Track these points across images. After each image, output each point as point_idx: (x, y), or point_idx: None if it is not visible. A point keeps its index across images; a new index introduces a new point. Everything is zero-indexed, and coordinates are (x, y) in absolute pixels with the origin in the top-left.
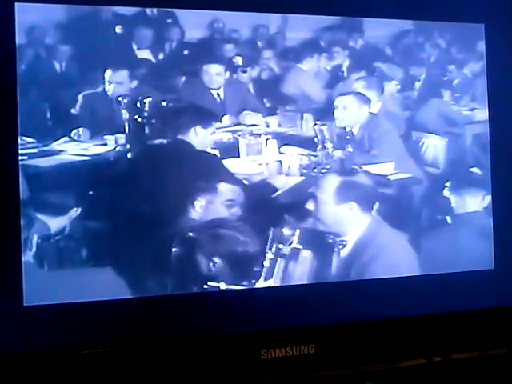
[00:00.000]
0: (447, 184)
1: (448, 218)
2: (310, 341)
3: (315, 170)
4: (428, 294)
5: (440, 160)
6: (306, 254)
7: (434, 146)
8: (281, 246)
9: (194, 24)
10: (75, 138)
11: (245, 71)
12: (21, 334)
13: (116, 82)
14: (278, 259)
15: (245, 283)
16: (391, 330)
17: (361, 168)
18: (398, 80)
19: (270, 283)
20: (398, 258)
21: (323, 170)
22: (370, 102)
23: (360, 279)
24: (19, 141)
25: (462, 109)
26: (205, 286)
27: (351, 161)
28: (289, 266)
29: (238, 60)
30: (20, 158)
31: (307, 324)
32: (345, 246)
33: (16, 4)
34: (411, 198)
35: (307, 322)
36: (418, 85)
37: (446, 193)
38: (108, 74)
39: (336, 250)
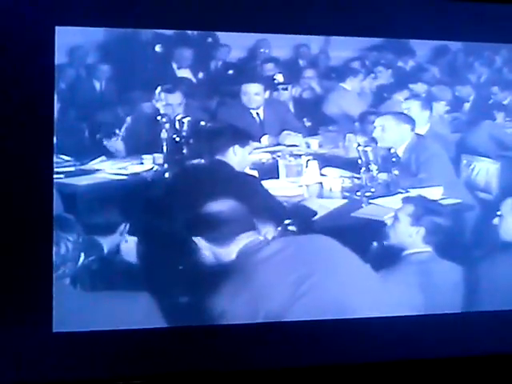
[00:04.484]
0: (500, 210)
1: (502, 247)
2: None
3: (358, 193)
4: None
5: (493, 185)
6: None
7: (486, 171)
8: None
9: (234, 44)
10: (112, 157)
11: (286, 89)
12: (49, 362)
13: (155, 102)
14: None
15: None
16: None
17: (407, 192)
18: (446, 101)
19: None
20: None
21: (367, 194)
22: (413, 121)
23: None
24: (55, 159)
25: None
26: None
27: (397, 184)
28: None
29: (279, 78)
30: (56, 176)
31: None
32: None
33: (56, 28)
34: (461, 224)
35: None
36: (467, 106)
37: (498, 220)
38: (147, 93)
39: None
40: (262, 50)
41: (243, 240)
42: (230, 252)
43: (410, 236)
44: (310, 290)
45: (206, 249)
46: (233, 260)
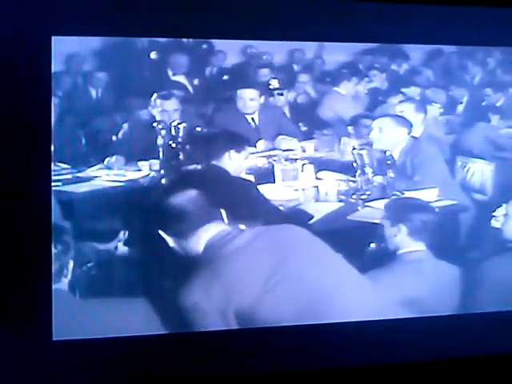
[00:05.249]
0: (496, 211)
1: (498, 248)
2: None
3: (354, 196)
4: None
5: (488, 186)
6: None
7: (481, 172)
8: None
9: (228, 50)
10: (110, 164)
11: (281, 94)
12: (49, 369)
13: (151, 109)
14: None
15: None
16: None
17: (403, 194)
18: (441, 103)
19: None
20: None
21: (363, 196)
22: (410, 124)
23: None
24: (54, 167)
25: (510, 131)
26: None
27: (392, 186)
28: None
29: (274, 84)
30: (53, 184)
31: None
32: None
33: (53, 37)
34: (457, 225)
35: None
36: (462, 108)
37: (500, 219)
38: (143, 100)
39: None
40: (256, 56)
41: (211, 231)
42: (198, 243)
43: (394, 235)
44: (283, 280)
45: (172, 241)
46: (201, 252)
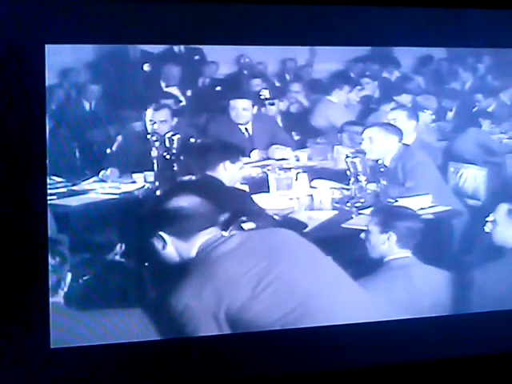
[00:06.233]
0: (489, 216)
1: (493, 252)
2: None
3: (348, 204)
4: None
5: (480, 191)
6: None
7: (474, 177)
8: None
9: (221, 60)
10: (104, 176)
11: (273, 104)
12: (47, 378)
13: (144, 120)
14: None
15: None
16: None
17: (396, 201)
18: (432, 110)
19: None
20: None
21: (357, 204)
22: (401, 132)
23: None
24: (48, 180)
25: (501, 136)
26: None
27: (386, 194)
28: None
29: (265, 94)
30: (49, 197)
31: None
32: None
33: (46, 46)
34: (452, 231)
35: None
36: (453, 114)
37: (488, 225)
38: (136, 112)
39: None
40: (248, 66)
41: (205, 235)
42: (192, 249)
43: (383, 243)
44: (273, 282)
45: (167, 247)
46: (194, 256)
